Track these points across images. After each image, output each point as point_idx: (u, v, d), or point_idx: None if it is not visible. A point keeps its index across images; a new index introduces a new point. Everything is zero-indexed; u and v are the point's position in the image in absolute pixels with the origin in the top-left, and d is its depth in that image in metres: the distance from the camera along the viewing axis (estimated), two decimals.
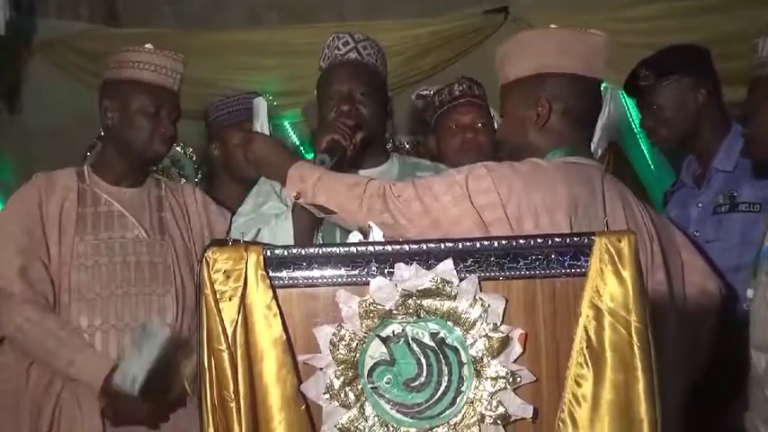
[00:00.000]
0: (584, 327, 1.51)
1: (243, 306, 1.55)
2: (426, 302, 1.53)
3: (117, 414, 2.34)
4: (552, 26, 2.15)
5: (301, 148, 4.16)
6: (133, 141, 2.52)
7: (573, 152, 2.08)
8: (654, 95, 2.76)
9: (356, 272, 1.55)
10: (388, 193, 2.00)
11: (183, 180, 4.10)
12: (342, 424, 1.55)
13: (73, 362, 2.35)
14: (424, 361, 1.54)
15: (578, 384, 1.51)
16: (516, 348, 1.53)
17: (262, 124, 2.38)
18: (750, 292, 2.19)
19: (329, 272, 1.56)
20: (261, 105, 2.41)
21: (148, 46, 2.55)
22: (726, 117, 2.78)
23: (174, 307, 2.47)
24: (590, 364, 1.51)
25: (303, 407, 1.56)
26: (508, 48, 2.17)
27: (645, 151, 3.78)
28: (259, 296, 1.55)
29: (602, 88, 2.21)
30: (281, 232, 2.22)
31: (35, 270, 2.42)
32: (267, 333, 1.55)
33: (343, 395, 1.55)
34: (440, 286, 1.53)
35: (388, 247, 1.57)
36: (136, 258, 2.48)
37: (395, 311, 1.54)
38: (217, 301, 1.54)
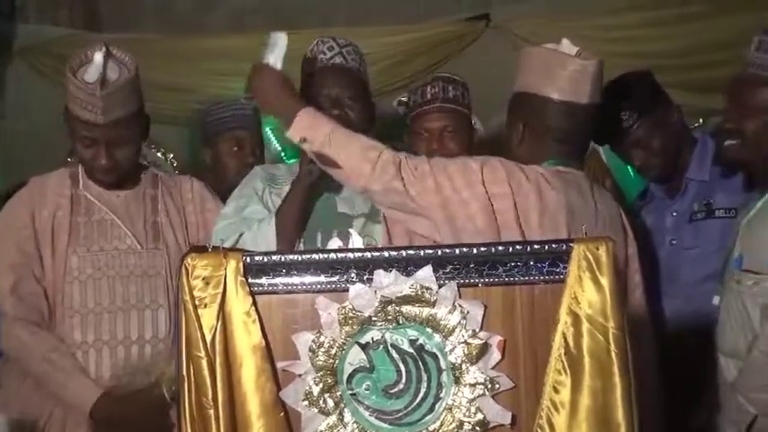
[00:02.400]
0: (563, 333, 1.52)
1: (222, 313, 1.55)
2: (405, 309, 1.54)
3: None
4: (565, 41, 2.15)
5: (282, 154, 4.15)
6: (84, 167, 2.51)
7: (561, 163, 2.12)
8: (640, 133, 2.68)
9: (335, 278, 1.55)
10: (403, 163, 2.01)
11: None
12: (321, 431, 1.55)
13: (66, 386, 2.35)
14: (403, 367, 1.55)
15: (556, 390, 1.52)
16: (495, 355, 1.54)
17: (276, 60, 2.24)
18: (716, 300, 2.22)
19: (308, 278, 1.56)
20: (280, 40, 2.27)
21: (83, 74, 2.37)
22: (689, 128, 2.81)
23: (166, 321, 2.44)
24: (568, 370, 1.51)
25: (282, 413, 1.55)
26: (519, 58, 2.23)
27: (629, 169, 3.80)
28: (238, 303, 1.55)
29: (592, 110, 2.17)
30: (263, 238, 2.21)
31: (26, 285, 2.38)
32: (246, 340, 1.55)
33: (322, 402, 1.55)
34: (419, 293, 1.53)
35: (368, 254, 1.58)
36: (129, 271, 2.44)
37: (374, 318, 1.54)
38: (196, 308, 1.54)
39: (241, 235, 2.26)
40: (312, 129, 2.08)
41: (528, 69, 2.16)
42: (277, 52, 2.25)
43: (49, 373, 2.35)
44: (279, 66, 2.22)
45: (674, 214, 2.74)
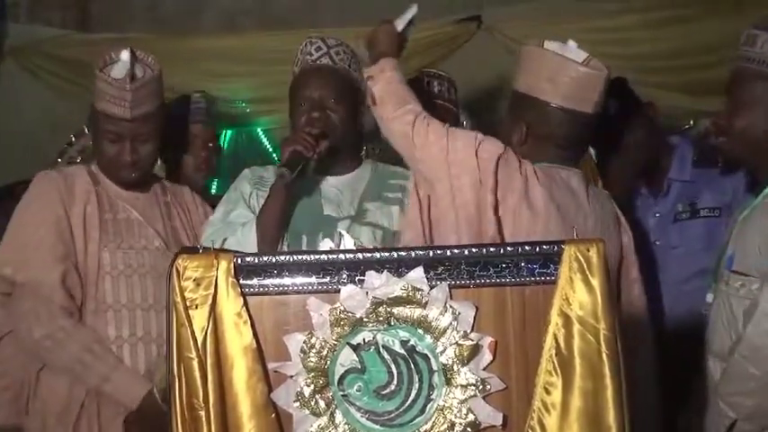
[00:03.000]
0: (554, 334, 1.52)
1: (213, 314, 1.54)
2: (397, 310, 1.54)
3: None
4: (572, 43, 2.16)
5: (274, 156, 4.15)
6: (103, 167, 2.55)
7: (556, 163, 2.15)
8: (631, 136, 2.72)
9: (327, 279, 1.55)
10: (420, 116, 2.17)
11: None
12: None
13: (109, 378, 2.35)
14: (394, 369, 1.55)
15: (547, 392, 1.52)
16: (486, 356, 1.54)
17: (400, 22, 2.42)
18: (710, 297, 2.22)
19: (300, 279, 1.56)
20: (411, 10, 2.45)
21: (111, 71, 2.48)
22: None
23: None
24: (559, 371, 1.52)
25: (273, 415, 1.55)
26: (521, 54, 2.25)
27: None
28: (229, 304, 1.55)
29: (595, 119, 2.20)
30: (246, 242, 2.21)
31: (72, 277, 2.41)
32: (237, 341, 1.55)
33: (313, 403, 1.55)
34: (410, 294, 1.53)
35: (359, 255, 1.58)
36: (158, 272, 2.45)
37: (365, 319, 1.54)
38: (187, 309, 1.54)
39: (225, 240, 2.25)
40: (381, 71, 2.26)
41: (534, 71, 2.16)
42: (404, 18, 2.43)
43: (89, 364, 2.35)
44: (399, 27, 2.40)
45: (657, 215, 2.77)
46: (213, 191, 3.83)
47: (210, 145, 3.10)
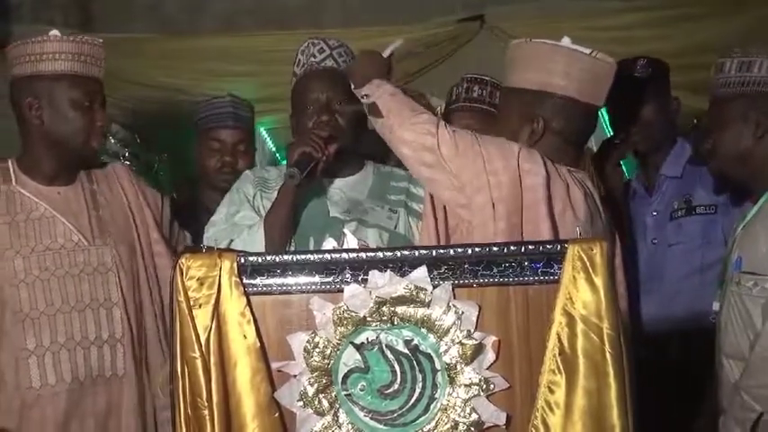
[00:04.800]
0: (557, 334, 1.52)
1: (216, 313, 1.54)
2: (400, 309, 1.54)
3: None
4: (566, 39, 2.13)
5: (277, 155, 4.15)
6: (68, 138, 2.33)
7: (568, 164, 2.12)
8: (647, 91, 2.75)
9: (330, 279, 1.55)
10: (441, 124, 2.05)
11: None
12: (315, 431, 1.55)
13: None
14: (397, 368, 1.55)
15: (551, 391, 1.52)
16: (489, 355, 1.54)
17: (386, 50, 2.31)
18: (716, 305, 2.25)
19: (303, 279, 1.56)
20: (395, 44, 2.36)
21: (54, 33, 2.33)
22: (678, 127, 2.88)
23: (122, 320, 2.34)
24: (562, 370, 1.51)
25: (277, 414, 1.55)
26: (519, 52, 2.18)
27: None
28: (233, 303, 1.55)
29: (599, 113, 2.21)
30: (253, 244, 2.21)
31: None
32: (241, 340, 1.55)
33: (316, 402, 1.55)
34: (414, 293, 1.53)
35: (362, 255, 1.58)
36: (78, 269, 2.31)
37: (369, 318, 1.54)
38: (190, 308, 1.54)
39: (231, 242, 2.25)
40: (376, 87, 2.12)
41: (546, 67, 2.11)
42: (391, 47, 2.31)
43: None
44: (386, 53, 2.28)
45: (655, 214, 2.79)
46: None
47: (241, 148, 3.05)
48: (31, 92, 2.32)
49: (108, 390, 2.32)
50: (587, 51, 2.10)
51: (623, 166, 3.59)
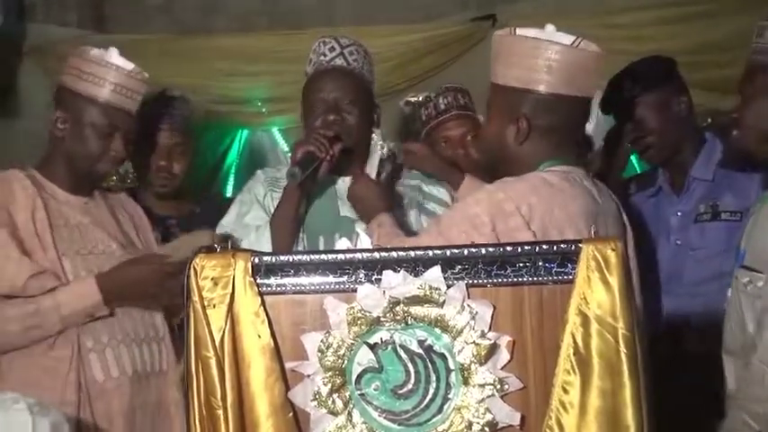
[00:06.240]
0: (572, 334, 1.52)
1: (231, 313, 1.55)
2: (414, 309, 1.54)
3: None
4: (549, 26, 2.03)
5: (290, 155, 4.15)
6: (80, 158, 2.40)
7: (564, 162, 2.06)
8: (639, 107, 2.72)
9: (344, 279, 1.55)
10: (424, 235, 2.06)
11: None
12: (329, 431, 1.55)
13: (60, 305, 2.23)
14: (411, 368, 1.55)
15: (565, 391, 1.51)
16: (504, 355, 1.54)
17: (371, 168, 2.41)
18: (730, 292, 2.19)
19: (317, 279, 1.56)
20: (376, 148, 2.43)
21: (111, 58, 2.39)
22: (698, 126, 2.81)
23: (163, 322, 2.45)
24: (577, 370, 1.51)
25: (291, 414, 1.56)
26: (500, 46, 2.10)
27: (632, 157, 3.80)
28: (247, 303, 1.55)
29: (589, 104, 2.14)
30: (260, 245, 2.21)
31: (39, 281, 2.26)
32: (255, 340, 1.55)
33: (330, 402, 1.55)
34: (428, 293, 1.53)
35: (376, 255, 1.59)
36: None
37: (383, 318, 1.54)
38: (204, 308, 1.54)
39: (241, 242, 2.26)
40: (379, 226, 2.18)
41: (525, 63, 2.02)
42: (372, 160, 2.39)
43: (35, 312, 2.23)
44: (373, 174, 2.37)
45: (679, 214, 2.75)
46: (229, 194, 3.84)
47: (179, 152, 2.91)
48: (64, 105, 2.42)
49: (157, 384, 2.42)
50: (569, 41, 1.99)
51: (636, 165, 3.59)
